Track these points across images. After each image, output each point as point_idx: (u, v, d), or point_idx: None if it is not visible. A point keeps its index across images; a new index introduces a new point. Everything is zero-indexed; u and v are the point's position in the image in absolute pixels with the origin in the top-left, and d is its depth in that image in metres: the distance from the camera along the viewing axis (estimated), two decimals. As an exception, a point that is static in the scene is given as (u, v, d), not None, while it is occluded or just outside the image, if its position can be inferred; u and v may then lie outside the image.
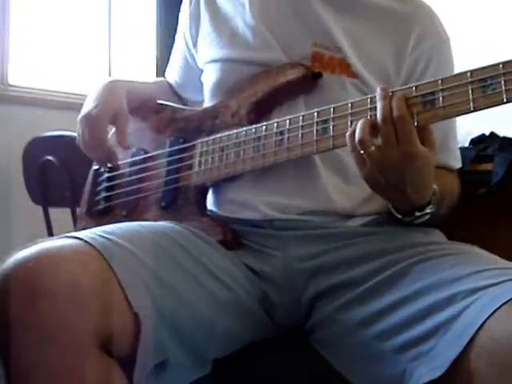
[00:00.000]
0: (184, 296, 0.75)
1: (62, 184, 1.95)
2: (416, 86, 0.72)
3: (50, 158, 1.98)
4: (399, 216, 0.83)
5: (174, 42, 1.14)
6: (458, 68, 0.98)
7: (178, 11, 1.10)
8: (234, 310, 0.81)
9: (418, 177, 0.74)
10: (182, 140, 0.98)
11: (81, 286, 0.64)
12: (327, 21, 0.91)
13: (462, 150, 1.78)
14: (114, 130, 0.99)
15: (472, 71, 0.68)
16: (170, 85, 1.18)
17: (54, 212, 2.15)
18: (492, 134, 1.97)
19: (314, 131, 0.80)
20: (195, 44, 1.05)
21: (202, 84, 1.06)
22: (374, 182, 0.75)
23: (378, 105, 0.72)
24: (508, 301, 0.62)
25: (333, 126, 0.78)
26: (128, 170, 1.03)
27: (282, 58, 0.92)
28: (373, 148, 0.71)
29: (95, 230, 0.74)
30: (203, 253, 0.82)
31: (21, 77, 2.75)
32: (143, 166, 1.01)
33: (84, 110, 0.99)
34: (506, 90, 0.65)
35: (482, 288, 0.67)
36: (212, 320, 0.77)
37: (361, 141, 0.72)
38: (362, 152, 0.72)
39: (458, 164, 0.99)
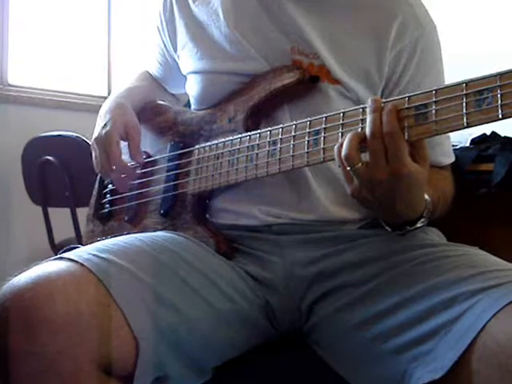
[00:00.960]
0: (183, 311, 0.74)
1: (61, 184, 1.95)
2: (409, 97, 0.67)
3: (49, 158, 1.98)
4: (389, 229, 0.80)
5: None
6: (452, 62, 0.95)
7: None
8: (235, 321, 0.81)
9: (408, 194, 0.71)
10: (181, 145, 0.97)
11: (78, 314, 0.64)
12: (304, 26, 0.87)
13: (463, 149, 1.78)
14: (126, 143, 0.98)
15: (467, 82, 0.63)
16: (151, 76, 1.17)
17: (53, 212, 2.15)
18: (493, 133, 1.96)
19: (306, 142, 0.77)
20: (176, 50, 1.04)
21: (180, 79, 1.05)
22: (362, 199, 0.72)
23: (368, 118, 0.68)
24: (510, 303, 0.62)
25: (324, 138, 0.75)
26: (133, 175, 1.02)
27: (262, 66, 0.89)
28: (360, 165, 0.68)
29: (91, 249, 0.74)
30: (204, 262, 0.82)
31: (20, 77, 2.74)
32: (145, 170, 1.00)
33: (98, 131, 0.96)
34: (501, 105, 0.59)
35: (483, 289, 0.66)
36: (212, 333, 0.77)
37: (347, 157, 0.68)
38: (348, 168, 0.69)
39: (448, 159, 0.95)
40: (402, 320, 0.71)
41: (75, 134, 1.96)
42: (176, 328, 0.73)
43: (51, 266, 0.68)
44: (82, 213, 1.99)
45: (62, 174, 1.94)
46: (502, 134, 1.91)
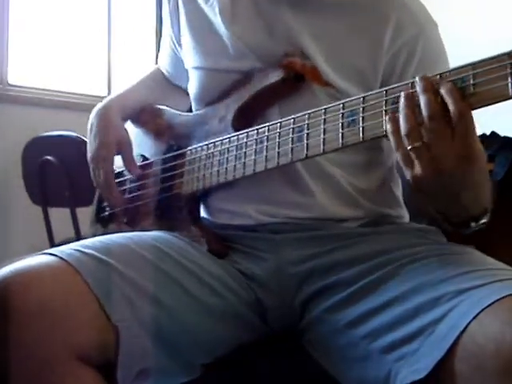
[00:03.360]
0: (167, 304, 0.75)
1: (61, 184, 1.95)
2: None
3: (49, 157, 1.98)
4: (451, 228, 0.74)
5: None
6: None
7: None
8: (222, 316, 0.81)
9: (476, 179, 0.66)
10: (175, 147, 0.98)
11: (52, 303, 0.67)
12: (296, 30, 0.87)
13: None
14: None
15: (442, 73, 0.65)
16: (162, 74, 1.16)
17: (53, 212, 2.15)
18: (493, 133, 1.97)
19: (290, 140, 0.78)
20: (179, 42, 1.04)
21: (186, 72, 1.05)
22: (423, 187, 0.66)
23: (422, 99, 0.64)
24: (491, 304, 0.62)
25: (307, 134, 0.76)
26: (130, 176, 1.04)
27: (257, 66, 0.89)
28: (420, 143, 0.63)
29: (76, 245, 0.76)
30: (192, 260, 0.82)
31: (20, 76, 2.74)
32: (142, 172, 1.02)
33: (90, 149, 1.00)
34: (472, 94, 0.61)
35: (467, 289, 0.66)
36: (197, 326, 0.78)
37: (408, 133, 0.63)
38: (409, 147, 0.64)
39: None
40: (390, 319, 0.71)
41: (75, 134, 1.96)
42: (159, 320, 0.74)
43: (32, 260, 0.71)
44: (82, 213, 2.00)
45: (62, 174, 1.94)
46: (502, 134, 1.92)
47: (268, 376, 0.82)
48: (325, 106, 0.75)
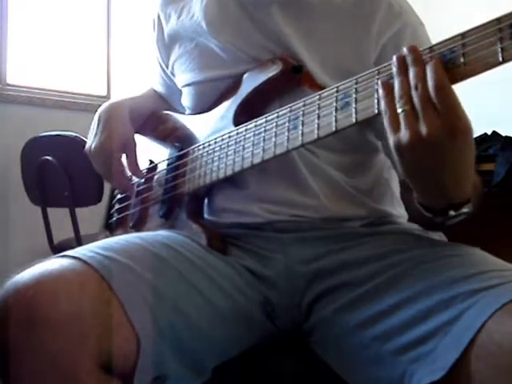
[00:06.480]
0: (184, 308, 0.75)
1: (60, 184, 1.94)
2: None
3: (48, 157, 1.97)
4: (429, 215, 0.74)
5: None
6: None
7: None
8: (234, 320, 0.80)
9: (459, 159, 0.65)
10: (179, 148, 0.99)
11: (81, 312, 0.65)
12: (286, 31, 0.88)
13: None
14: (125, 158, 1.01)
15: (432, 46, 0.65)
16: (158, 94, 1.17)
17: (52, 212, 2.14)
18: (494, 133, 1.97)
19: (286, 128, 0.78)
20: (167, 66, 1.05)
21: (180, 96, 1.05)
22: (407, 154, 0.65)
23: (411, 70, 0.64)
24: (507, 302, 0.62)
25: (302, 122, 0.76)
26: (136, 181, 1.05)
27: (253, 66, 0.89)
28: (409, 107, 0.63)
29: (94, 247, 0.74)
30: (205, 260, 0.82)
31: (19, 76, 2.74)
32: (148, 176, 1.03)
33: (94, 141, 0.99)
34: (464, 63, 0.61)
35: (482, 289, 0.66)
36: (211, 331, 0.77)
37: (401, 97, 0.64)
38: (400, 110, 0.64)
39: None
40: (402, 320, 0.71)
41: (74, 134, 1.95)
42: (176, 326, 0.73)
43: (54, 264, 0.68)
44: (81, 213, 2.00)
45: (61, 174, 1.94)
46: (503, 134, 1.92)
47: (273, 377, 0.81)
48: (319, 92, 0.75)
